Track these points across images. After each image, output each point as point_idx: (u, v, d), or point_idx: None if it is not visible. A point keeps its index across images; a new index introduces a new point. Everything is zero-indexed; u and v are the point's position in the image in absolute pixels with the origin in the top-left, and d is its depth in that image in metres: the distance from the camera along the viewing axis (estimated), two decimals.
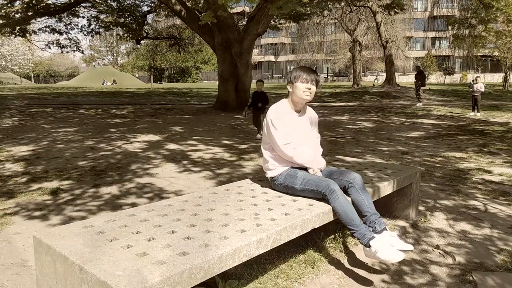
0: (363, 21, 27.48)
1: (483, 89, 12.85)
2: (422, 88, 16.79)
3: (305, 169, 2.58)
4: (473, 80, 13.19)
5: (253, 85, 9.62)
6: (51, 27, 15.85)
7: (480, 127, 9.76)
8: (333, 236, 2.82)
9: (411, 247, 2.44)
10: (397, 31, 30.38)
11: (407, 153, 6.34)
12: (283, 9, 9.51)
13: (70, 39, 17.04)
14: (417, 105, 15.94)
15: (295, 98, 2.60)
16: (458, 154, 6.26)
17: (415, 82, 16.44)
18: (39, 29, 16.07)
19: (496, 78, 39.15)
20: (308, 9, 14.42)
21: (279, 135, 2.53)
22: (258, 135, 7.43)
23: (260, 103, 7.42)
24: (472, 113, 12.70)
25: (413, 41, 50.06)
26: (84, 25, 16.98)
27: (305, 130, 2.69)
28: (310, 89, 2.55)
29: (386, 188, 2.85)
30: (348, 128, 9.63)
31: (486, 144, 7.29)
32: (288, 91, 2.64)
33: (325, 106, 16.25)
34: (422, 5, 48.21)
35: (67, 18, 15.98)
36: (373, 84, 30.98)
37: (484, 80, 37.49)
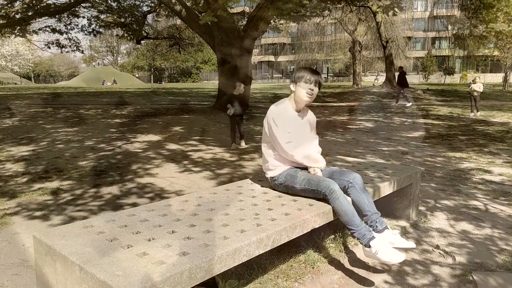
0: (363, 21, 27.48)
1: (481, 90, 12.83)
2: (406, 88, 17.07)
3: (306, 169, 2.58)
4: (473, 80, 13.19)
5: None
6: (51, 27, 15.84)
7: (480, 127, 9.75)
8: (333, 236, 2.82)
9: (413, 245, 2.43)
10: (397, 31, 30.36)
11: (407, 153, 6.34)
12: (283, 9, 9.51)
13: (70, 39, 17.02)
14: (408, 105, 16.01)
15: (296, 98, 2.60)
16: (458, 154, 6.26)
17: (399, 84, 16.73)
18: (39, 29, 16.05)
19: (496, 78, 39.13)
20: (308, 9, 14.42)
21: (280, 134, 2.52)
22: (234, 145, 6.53)
23: (242, 108, 6.71)
24: (472, 114, 12.69)
25: (413, 41, 50.02)
26: (85, 25, 16.99)
27: (305, 130, 2.69)
28: (312, 90, 2.55)
29: (386, 188, 2.84)
30: (348, 128, 9.63)
31: (486, 144, 7.29)
32: (291, 91, 2.64)
33: (325, 106, 16.25)
34: (422, 5, 48.19)
35: (67, 18, 15.96)
36: (373, 84, 30.96)
37: (484, 80, 37.51)
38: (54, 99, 18.31)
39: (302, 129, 2.66)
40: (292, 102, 2.64)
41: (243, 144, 6.69)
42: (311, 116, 2.78)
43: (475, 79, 13.10)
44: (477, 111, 12.69)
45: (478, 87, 12.65)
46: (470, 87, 12.97)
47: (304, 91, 2.54)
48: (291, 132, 2.55)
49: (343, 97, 21.13)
